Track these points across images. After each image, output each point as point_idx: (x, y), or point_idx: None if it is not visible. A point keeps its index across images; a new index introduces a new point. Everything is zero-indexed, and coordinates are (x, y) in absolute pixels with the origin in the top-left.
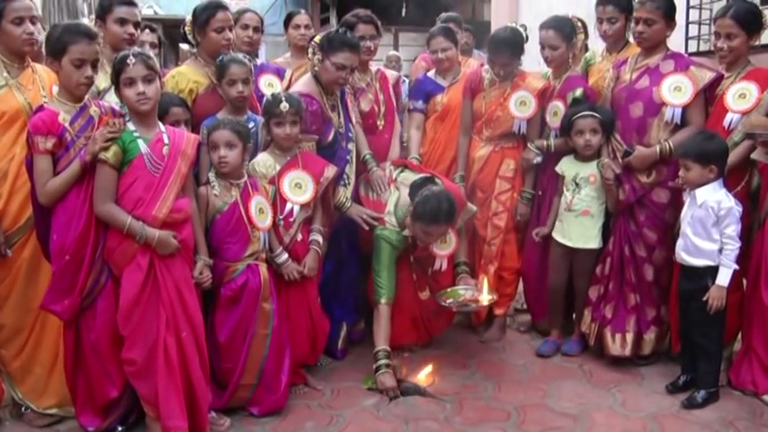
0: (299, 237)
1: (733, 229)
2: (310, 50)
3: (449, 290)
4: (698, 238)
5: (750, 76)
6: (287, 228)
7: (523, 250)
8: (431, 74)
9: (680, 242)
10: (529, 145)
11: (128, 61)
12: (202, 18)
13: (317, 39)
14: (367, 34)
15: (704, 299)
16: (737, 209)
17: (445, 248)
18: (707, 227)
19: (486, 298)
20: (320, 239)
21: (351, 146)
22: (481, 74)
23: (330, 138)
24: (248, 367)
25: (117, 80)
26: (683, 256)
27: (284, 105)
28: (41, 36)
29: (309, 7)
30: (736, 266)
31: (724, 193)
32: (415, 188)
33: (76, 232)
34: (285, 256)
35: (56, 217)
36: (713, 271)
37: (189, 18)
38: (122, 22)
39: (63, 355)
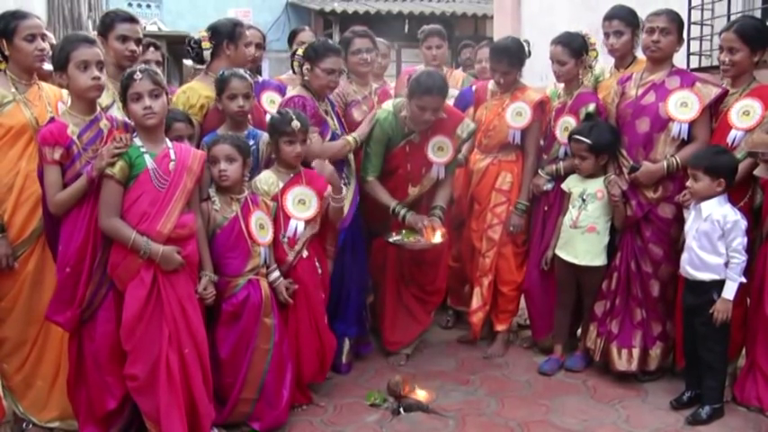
0: (305, 253)
1: (739, 242)
2: (296, 64)
3: (403, 231)
4: (703, 251)
5: (754, 94)
6: (291, 245)
7: (527, 267)
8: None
9: (684, 256)
10: (540, 172)
11: (135, 76)
12: (235, 32)
13: (300, 51)
14: (363, 47)
15: (710, 312)
16: (743, 222)
17: (442, 156)
18: (713, 240)
19: (435, 240)
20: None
21: None
22: (487, 86)
23: (327, 138)
24: (249, 382)
25: (124, 96)
26: (689, 269)
27: (296, 123)
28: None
29: (312, 24)
30: (743, 279)
31: (729, 207)
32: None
33: (76, 245)
34: (276, 273)
35: (63, 228)
36: (719, 285)
37: (203, 34)
38: (124, 39)
39: (68, 367)
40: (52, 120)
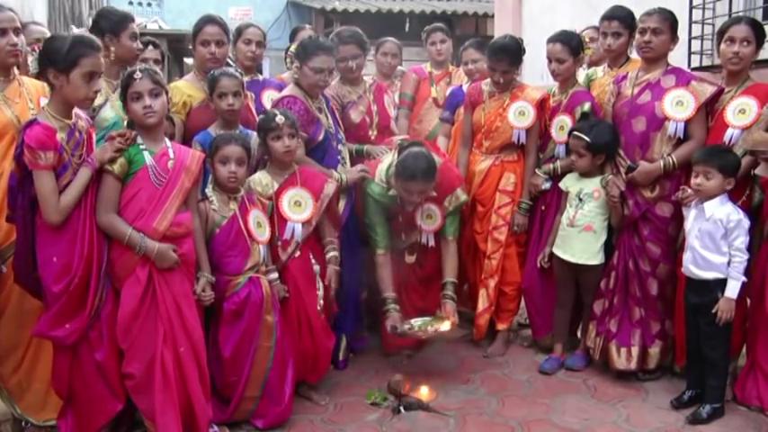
0: (298, 254)
1: (742, 241)
2: (288, 60)
3: (419, 320)
4: (706, 250)
5: (749, 92)
6: (284, 247)
7: (526, 267)
8: (465, 86)
9: (687, 255)
10: (537, 171)
11: (134, 76)
12: (193, 32)
13: (292, 48)
14: (348, 55)
15: (713, 311)
16: (746, 221)
17: (431, 224)
18: (716, 240)
19: (443, 329)
20: (337, 255)
21: (341, 147)
22: (480, 87)
23: (321, 137)
24: (252, 379)
25: (124, 96)
26: (692, 269)
27: (279, 118)
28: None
29: (313, 22)
30: (744, 278)
31: (732, 206)
32: (401, 150)
33: (83, 252)
34: (275, 274)
35: (54, 241)
36: (723, 283)
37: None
38: (135, 37)
39: (53, 381)
40: (36, 122)
